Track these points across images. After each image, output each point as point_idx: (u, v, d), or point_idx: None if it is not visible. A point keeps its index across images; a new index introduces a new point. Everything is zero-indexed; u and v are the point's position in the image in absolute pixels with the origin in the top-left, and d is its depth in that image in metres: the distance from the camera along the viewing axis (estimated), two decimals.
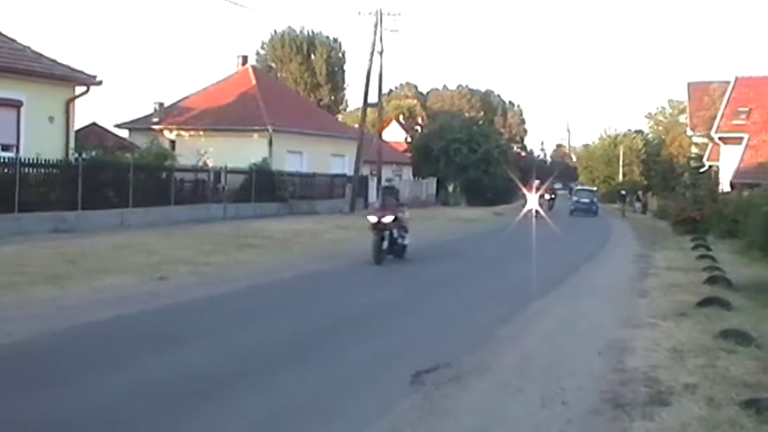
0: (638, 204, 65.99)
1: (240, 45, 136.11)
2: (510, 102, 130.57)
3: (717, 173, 42.75)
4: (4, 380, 7.45)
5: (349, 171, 43.79)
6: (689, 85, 57.01)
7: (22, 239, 18.86)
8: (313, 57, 73.83)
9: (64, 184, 23.47)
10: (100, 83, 26.02)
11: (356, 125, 50.18)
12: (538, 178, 53.31)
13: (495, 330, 10.69)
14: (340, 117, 72.32)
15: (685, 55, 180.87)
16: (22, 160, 22.25)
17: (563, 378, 8.07)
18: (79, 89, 25.73)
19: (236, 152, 35.80)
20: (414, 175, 62.70)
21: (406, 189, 55.92)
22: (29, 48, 25.14)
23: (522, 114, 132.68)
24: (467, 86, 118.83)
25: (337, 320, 11.40)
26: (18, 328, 9.57)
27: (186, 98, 45.75)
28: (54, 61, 25.29)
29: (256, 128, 40.73)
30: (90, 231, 21.81)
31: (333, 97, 74.72)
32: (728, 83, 44.07)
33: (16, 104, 23.61)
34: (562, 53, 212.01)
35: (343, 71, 76.22)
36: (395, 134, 74.33)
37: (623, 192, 65.95)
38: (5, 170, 21.66)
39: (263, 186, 35.45)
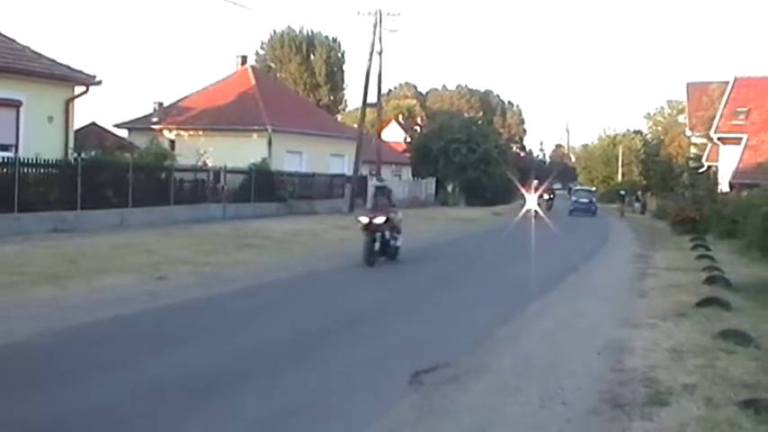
0: (636, 204, 66.00)
1: (239, 45, 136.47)
2: (509, 102, 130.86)
3: (716, 173, 42.79)
4: (3, 380, 7.45)
5: (348, 171, 43.79)
6: (688, 85, 57.08)
7: (21, 239, 18.85)
8: (312, 57, 73.91)
9: (63, 184, 23.46)
10: (99, 83, 26.02)
11: (355, 125, 50.17)
12: (537, 178, 53.29)
13: (493, 330, 10.69)
14: (339, 117, 72.39)
15: (684, 55, 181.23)
16: (22, 160, 22.23)
17: (562, 378, 8.08)
18: (78, 89, 25.72)
19: (236, 152, 35.79)
20: (413, 176, 62.71)
21: (405, 189, 56.06)
22: (28, 47, 25.14)
23: (521, 114, 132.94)
24: (466, 86, 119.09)
25: (336, 320, 11.40)
26: (18, 327, 9.57)
27: (185, 98, 45.78)
28: (53, 61, 25.28)
29: (256, 128, 40.75)
30: (89, 231, 21.80)
31: (332, 97, 74.79)
32: (727, 83, 44.12)
33: (15, 104, 23.59)
34: (561, 53, 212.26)
35: (343, 71, 76.36)
36: (394, 134, 74.40)
37: (622, 192, 66.00)
38: (5, 170, 21.63)
39: (263, 186, 35.44)
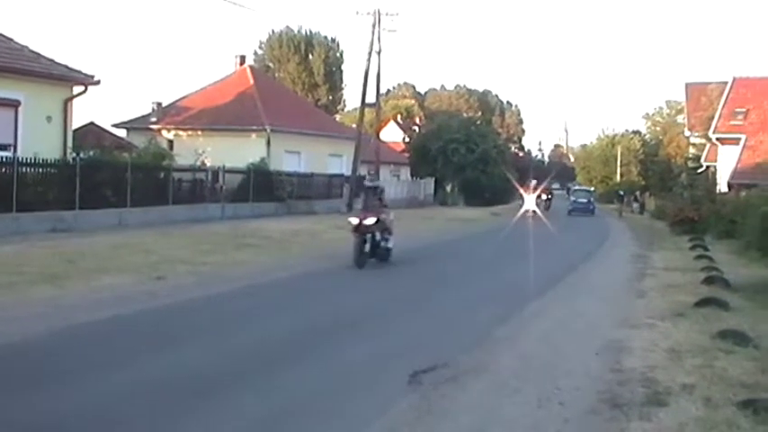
0: (635, 205, 66.04)
1: (238, 45, 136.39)
2: (508, 102, 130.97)
3: (714, 173, 42.81)
4: (2, 380, 7.45)
5: (347, 171, 43.80)
6: (687, 85, 57.12)
7: (20, 239, 18.84)
8: (311, 57, 73.90)
9: (62, 184, 23.44)
10: (98, 82, 26.00)
11: (354, 125, 50.20)
12: (535, 178, 53.39)
13: (492, 331, 10.70)
14: (338, 117, 72.39)
15: (683, 55, 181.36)
16: (20, 160, 22.22)
17: (560, 378, 8.09)
18: (77, 89, 25.70)
19: (234, 152, 35.80)
20: (412, 175, 62.74)
21: (404, 189, 56.10)
22: (27, 47, 25.11)
23: (519, 114, 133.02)
24: (465, 86, 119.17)
25: (335, 320, 11.40)
26: (16, 327, 9.57)
27: (184, 98, 45.76)
28: (52, 61, 25.25)
29: (254, 128, 40.75)
30: (88, 231, 21.79)
31: (331, 97, 74.77)
32: (726, 83, 44.10)
33: (14, 104, 23.57)
34: (560, 53, 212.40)
35: (341, 71, 76.35)
36: (393, 134, 74.37)
37: (621, 192, 66.04)
38: (3, 170, 21.61)
39: (261, 186, 35.43)
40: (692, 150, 53.86)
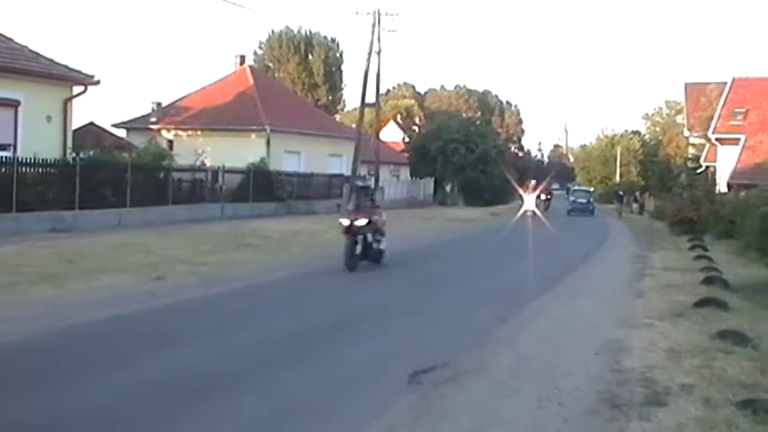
0: (634, 205, 66.03)
1: (238, 45, 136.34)
2: (507, 102, 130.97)
3: (714, 173, 42.80)
4: (2, 380, 7.45)
5: (346, 171, 43.81)
6: (686, 85, 57.14)
7: (19, 239, 18.84)
8: (311, 57, 73.92)
9: (61, 184, 23.45)
10: (97, 82, 26.00)
11: (354, 125, 50.19)
12: (534, 178, 53.40)
13: (491, 331, 10.70)
14: (337, 117, 72.41)
15: (682, 56, 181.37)
16: (20, 160, 22.22)
17: (560, 378, 8.09)
18: (77, 89, 25.69)
19: (234, 152, 35.81)
20: (411, 176, 62.77)
21: (403, 189, 56.14)
22: (26, 47, 25.11)
23: (519, 114, 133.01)
24: (464, 87, 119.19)
25: (335, 320, 11.41)
26: (16, 327, 9.57)
27: (184, 98, 45.76)
28: (51, 61, 25.25)
29: (254, 128, 40.76)
30: (87, 231, 21.79)
31: (330, 97, 74.78)
32: (725, 84, 44.10)
33: (14, 104, 23.56)
34: (560, 53, 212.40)
35: (341, 71, 76.38)
36: (392, 134, 74.36)
37: (620, 192, 66.04)
38: (3, 170, 21.62)
39: (261, 186, 35.45)
40: (691, 151, 53.86)
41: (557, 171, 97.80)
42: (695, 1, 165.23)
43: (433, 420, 6.70)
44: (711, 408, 7.00)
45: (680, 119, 72.28)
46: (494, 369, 8.59)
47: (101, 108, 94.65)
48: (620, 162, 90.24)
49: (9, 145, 23.45)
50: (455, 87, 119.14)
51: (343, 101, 79.94)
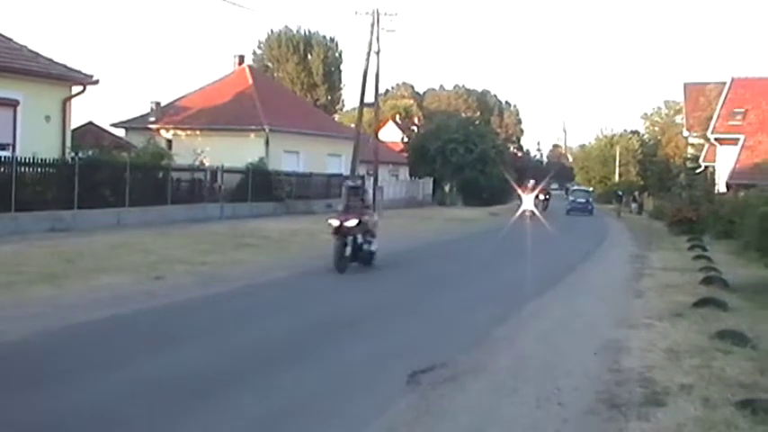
0: (633, 205, 66.07)
1: (237, 45, 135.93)
2: (506, 102, 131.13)
3: (713, 173, 42.82)
4: (1, 379, 7.45)
5: (345, 171, 43.74)
6: (685, 85, 57.15)
7: (18, 239, 18.84)
8: (310, 56, 73.94)
9: (60, 184, 23.45)
10: (96, 82, 26.00)
11: (353, 125, 50.17)
12: (533, 178, 53.42)
13: (490, 331, 10.70)
14: (336, 117, 72.43)
15: (682, 55, 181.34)
16: (19, 159, 22.21)
17: (559, 378, 8.09)
18: (76, 88, 25.69)
19: (233, 152, 35.84)
20: (410, 175, 62.79)
21: (402, 189, 56.14)
22: (25, 47, 25.11)
23: (518, 114, 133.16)
24: (463, 86, 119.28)
25: (334, 320, 11.41)
26: (15, 327, 9.56)
27: (183, 97, 45.77)
28: (51, 60, 25.25)
29: (253, 127, 40.77)
30: (86, 230, 21.79)
31: (329, 97, 74.79)
32: (725, 83, 44.13)
33: (13, 104, 23.56)
34: (559, 53, 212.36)
35: (340, 71, 76.40)
36: (391, 134, 74.36)
37: (619, 192, 66.09)
38: (2, 169, 21.61)
39: (260, 186, 35.44)
40: (690, 150, 53.90)
41: (556, 171, 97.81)
42: (694, 1, 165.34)
43: (432, 420, 6.70)
44: (710, 408, 7.00)
45: (679, 119, 72.34)
46: (493, 369, 8.59)
47: (100, 108, 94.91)
48: (619, 162, 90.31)
49: (8, 145, 23.45)
50: (454, 87, 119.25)
51: (342, 101, 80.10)
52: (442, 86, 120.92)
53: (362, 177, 31.64)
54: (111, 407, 6.72)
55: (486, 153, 61.77)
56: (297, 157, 42.92)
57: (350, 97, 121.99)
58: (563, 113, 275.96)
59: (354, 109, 55.39)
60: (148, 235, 21.25)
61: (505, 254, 23.27)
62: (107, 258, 16.28)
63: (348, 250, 16.44)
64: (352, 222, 16.53)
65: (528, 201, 45.52)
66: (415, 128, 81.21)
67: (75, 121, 28.14)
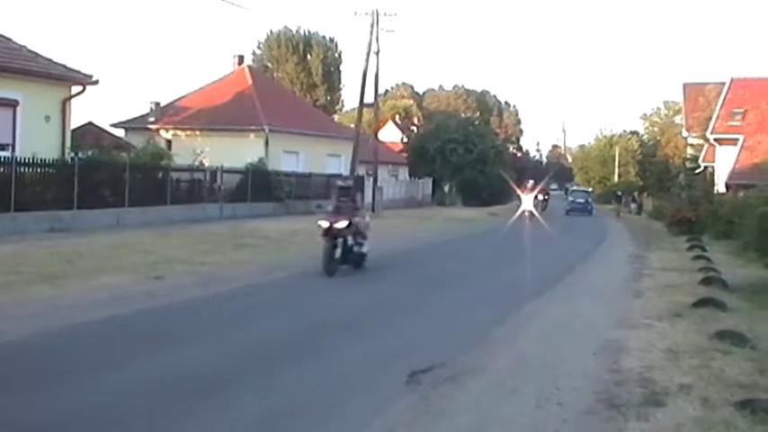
0: (633, 205, 66.10)
1: (236, 45, 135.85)
2: (506, 102, 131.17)
3: (712, 174, 42.84)
4: (1, 379, 7.45)
5: (345, 171, 43.73)
6: (684, 85, 57.14)
7: (18, 239, 18.84)
8: (309, 57, 73.94)
9: (60, 184, 23.46)
10: (96, 82, 26.00)
11: (352, 125, 50.18)
12: (533, 179, 53.45)
13: (489, 331, 10.71)
14: (336, 117, 72.47)
15: (681, 56, 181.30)
16: (18, 159, 22.20)
17: (558, 378, 8.10)
18: (75, 89, 25.70)
19: (233, 152, 35.85)
20: (410, 176, 62.80)
21: (402, 189, 56.14)
22: (25, 47, 25.11)
23: (518, 115, 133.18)
24: (463, 87, 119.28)
25: (334, 320, 11.42)
26: (14, 327, 9.56)
27: (182, 98, 45.77)
28: (50, 60, 25.26)
29: (253, 128, 40.78)
30: (86, 231, 21.79)
31: (329, 97, 74.79)
32: (724, 84, 44.14)
33: (12, 104, 23.57)
34: (558, 54, 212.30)
35: (340, 71, 76.39)
36: (391, 134, 74.34)
37: (619, 192, 66.13)
38: (1, 169, 21.60)
39: (260, 186, 35.45)
40: (689, 151, 53.93)
41: (555, 171, 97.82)
42: (694, 1, 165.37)
43: (431, 420, 6.71)
44: (710, 408, 7.01)
45: (678, 119, 72.40)
46: (492, 369, 8.60)
47: (99, 108, 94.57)
48: (619, 162, 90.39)
49: (7, 145, 23.46)
50: (453, 87, 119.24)
51: (342, 101, 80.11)
52: (441, 87, 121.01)
53: (353, 178, 31.57)
54: (110, 407, 6.72)
55: (486, 153, 61.77)
56: (296, 157, 42.93)
57: (349, 97, 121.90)
58: (562, 114, 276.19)
59: (354, 109, 55.44)
60: (148, 235, 21.25)
61: (505, 254, 23.27)
62: (106, 258, 16.28)
63: (338, 252, 15.96)
64: (342, 224, 16.06)
65: (527, 201, 45.55)
66: (414, 128, 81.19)
67: (75, 121, 28.16)
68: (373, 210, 41.65)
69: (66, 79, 25.43)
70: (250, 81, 45.56)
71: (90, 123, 36.59)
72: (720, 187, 38.06)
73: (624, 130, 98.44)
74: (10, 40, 24.97)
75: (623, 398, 7.40)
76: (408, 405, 7.05)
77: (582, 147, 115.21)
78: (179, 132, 41.62)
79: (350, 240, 16.39)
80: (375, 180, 44.71)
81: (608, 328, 11.17)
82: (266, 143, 40.53)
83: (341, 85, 77.19)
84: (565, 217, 50.10)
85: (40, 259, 15.42)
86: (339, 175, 42.92)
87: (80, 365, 8.01)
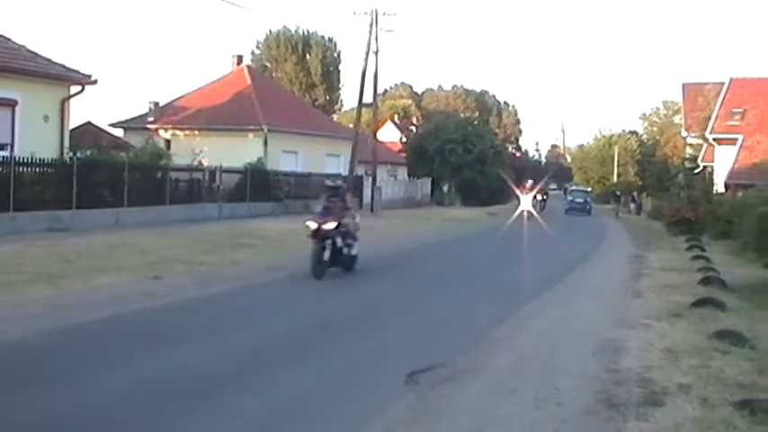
0: (632, 205, 66.16)
1: (235, 44, 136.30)
2: (505, 102, 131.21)
3: (711, 174, 42.85)
4: (0, 379, 7.45)
5: (344, 171, 43.74)
6: (683, 85, 57.14)
7: (17, 239, 18.83)
8: (308, 57, 73.92)
9: (59, 184, 23.44)
10: (95, 82, 26.00)
11: (351, 125, 50.16)
12: (532, 179, 53.49)
13: (489, 330, 10.72)
14: (335, 117, 72.43)
15: (680, 56, 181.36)
16: (17, 159, 22.18)
17: (557, 378, 8.11)
18: (74, 88, 25.70)
19: (232, 152, 35.84)
20: (409, 176, 62.78)
21: (401, 189, 56.13)
22: (24, 47, 25.11)
23: (516, 115, 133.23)
24: (462, 87, 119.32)
25: (334, 320, 11.42)
26: (13, 327, 9.56)
27: (181, 97, 45.76)
28: (49, 60, 25.25)
29: (251, 127, 40.76)
30: (85, 230, 21.78)
31: (328, 97, 74.76)
32: (723, 84, 44.14)
33: (11, 104, 23.57)
34: (557, 54, 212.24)
35: (339, 71, 76.37)
36: (390, 134, 74.33)
37: (618, 192, 66.18)
38: (0, 169, 21.61)
39: (259, 186, 35.43)
40: (688, 151, 53.97)
41: (554, 171, 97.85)
42: (693, 1, 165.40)
43: (430, 420, 6.71)
44: (709, 408, 7.01)
45: (677, 119, 72.42)
46: (491, 369, 8.60)
47: (98, 108, 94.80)
48: (618, 162, 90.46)
49: (6, 144, 23.47)
50: (452, 87, 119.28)
51: (341, 101, 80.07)
52: (440, 86, 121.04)
53: (361, 178, 31.58)
54: (110, 407, 6.72)
55: (485, 153, 61.78)
56: (295, 157, 42.92)
57: (348, 97, 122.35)
58: (562, 114, 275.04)
59: (353, 109, 55.40)
60: (147, 235, 21.25)
61: (503, 254, 23.27)
62: (106, 258, 16.28)
63: (327, 254, 15.49)
64: (330, 225, 15.59)
65: (526, 201, 45.59)
66: (413, 128, 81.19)
67: (74, 120, 28.21)
68: (372, 209, 41.71)
69: (64, 79, 25.43)
70: (249, 81, 45.54)
71: (89, 123, 36.57)
72: (719, 187, 38.07)
73: (623, 130, 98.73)
74: (9, 39, 24.97)
75: (622, 398, 7.40)
76: (407, 405, 7.05)
77: (581, 146, 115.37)
78: (178, 132, 41.62)
79: (339, 242, 15.90)
80: (374, 180, 44.73)
81: (607, 328, 11.18)
82: (265, 143, 40.53)
83: (340, 85, 77.28)
84: (564, 217, 50.15)
85: (39, 259, 15.41)
86: (338, 175, 43.19)
87: (80, 365, 8.01)
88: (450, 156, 60.14)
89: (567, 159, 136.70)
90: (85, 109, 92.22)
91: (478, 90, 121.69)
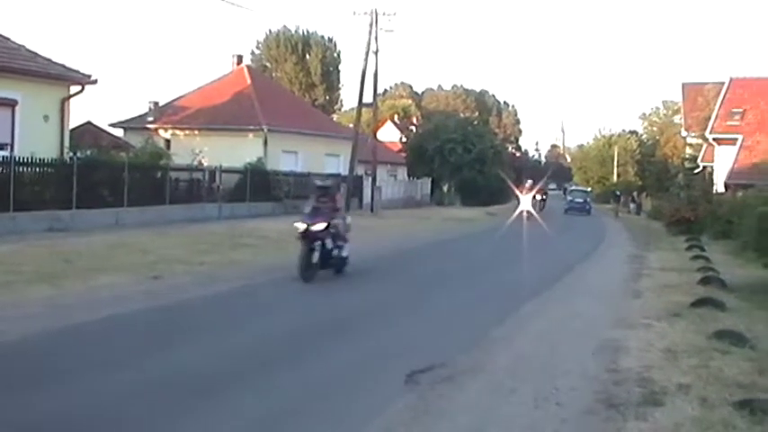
0: (632, 205, 66.17)
1: (235, 44, 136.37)
2: (505, 102, 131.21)
3: (711, 173, 42.85)
4: (0, 379, 7.45)
5: (344, 171, 43.76)
6: (683, 85, 57.13)
7: (17, 238, 18.82)
8: (308, 56, 73.96)
9: (59, 183, 23.44)
10: (95, 82, 25.99)
11: (351, 125, 50.14)
12: (531, 179, 53.51)
13: (488, 330, 10.72)
14: (335, 117, 72.44)
15: (680, 56, 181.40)
16: (17, 159, 22.17)
17: (557, 378, 8.11)
18: (74, 88, 25.69)
19: (231, 152, 35.84)
20: (408, 175, 62.78)
21: (400, 189, 56.14)
22: (24, 47, 25.10)
23: (516, 114, 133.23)
24: (462, 86, 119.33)
25: (333, 320, 11.42)
26: (13, 327, 9.56)
27: (181, 97, 45.77)
28: (49, 60, 25.25)
29: (251, 127, 40.76)
30: (85, 230, 21.78)
31: (328, 97, 74.80)
32: (723, 84, 44.13)
33: (11, 103, 23.56)
34: (557, 53, 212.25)
35: (338, 71, 76.42)
36: (390, 134, 74.33)
37: (617, 192, 66.20)
38: (0, 169, 21.61)
39: (258, 186, 35.41)
40: (688, 151, 53.97)
41: (554, 171, 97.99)
42: (692, 1, 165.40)
43: (430, 420, 6.72)
44: (708, 408, 7.01)
45: (677, 119, 72.41)
46: (491, 369, 8.60)
47: (98, 107, 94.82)
48: (618, 162, 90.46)
49: (6, 144, 23.46)
50: (452, 87, 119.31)
51: (341, 101, 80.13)
52: (440, 86, 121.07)
53: (361, 177, 31.53)
54: (110, 407, 6.72)
55: (485, 153, 61.77)
56: (295, 157, 42.91)
57: (348, 97, 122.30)
58: (561, 113, 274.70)
59: (353, 109, 55.40)
60: (147, 235, 21.24)
61: (503, 254, 23.27)
62: (105, 258, 16.28)
63: (316, 257, 14.92)
64: (319, 226, 15.07)
65: (526, 201, 45.56)
66: (413, 128, 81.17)
67: (74, 120, 28.19)
68: (372, 209, 41.72)
69: (64, 79, 25.42)
70: (249, 81, 45.55)
71: (89, 123, 36.58)
72: (719, 187, 38.06)
73: (623, 130, 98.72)
74: (9, 39, 24.96)
75: (622, 398, 7.41)
76: (407, 405, 7.06)
77: (581, 146, 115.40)
78: (178, 132, 41.62)
79: (329, 243, 15.38)
80: (374, 180, 44.73)
81: (607, 328, 11.18)
82: (265, 143, 40.53)
83: (340, 85, 77.36)
84: (563, 217, 50.18)
85: (39, 259, 15.41)
86: (338, 175, 43.15)
87: (79, 365, 8.02)
88: (449, 156, 60.14)
89: (566, 159, 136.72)
90: (85, 109, 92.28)
91: (478, 90, 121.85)
